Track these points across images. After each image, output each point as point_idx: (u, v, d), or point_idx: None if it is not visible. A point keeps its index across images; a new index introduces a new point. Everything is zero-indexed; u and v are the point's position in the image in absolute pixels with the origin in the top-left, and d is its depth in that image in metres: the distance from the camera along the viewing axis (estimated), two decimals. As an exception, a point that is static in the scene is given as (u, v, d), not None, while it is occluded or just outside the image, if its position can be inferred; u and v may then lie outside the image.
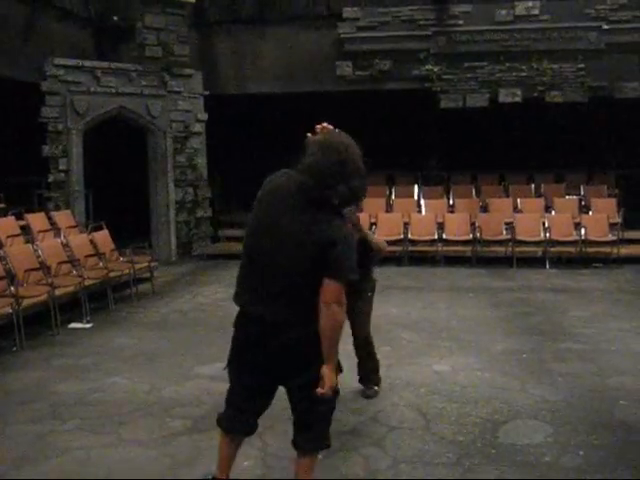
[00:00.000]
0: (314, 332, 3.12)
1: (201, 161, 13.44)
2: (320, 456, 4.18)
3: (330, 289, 3.08)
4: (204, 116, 13.37)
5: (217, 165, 14.20)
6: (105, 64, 12.21)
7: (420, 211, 13.50)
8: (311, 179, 3.10)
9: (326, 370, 3.14)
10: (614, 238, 11.81)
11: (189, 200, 13.33)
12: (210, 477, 3.64)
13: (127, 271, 9.41)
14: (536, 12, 12.93)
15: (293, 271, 3.14)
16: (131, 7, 13.19)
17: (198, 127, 13.34)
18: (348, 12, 13.38)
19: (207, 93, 13.41)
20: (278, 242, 3.15)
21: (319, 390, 3.12)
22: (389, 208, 13.79)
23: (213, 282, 10.70)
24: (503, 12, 13.03)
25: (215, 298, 9.41)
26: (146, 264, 9.97)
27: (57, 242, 9.21)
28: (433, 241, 12.24)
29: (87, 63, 11.97)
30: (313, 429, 3.40)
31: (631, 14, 12.63)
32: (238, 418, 3.46)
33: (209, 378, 5.77)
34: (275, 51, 13.93)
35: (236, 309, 3.36)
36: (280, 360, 3.24)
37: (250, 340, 3.31)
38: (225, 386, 3.35)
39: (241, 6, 13.97)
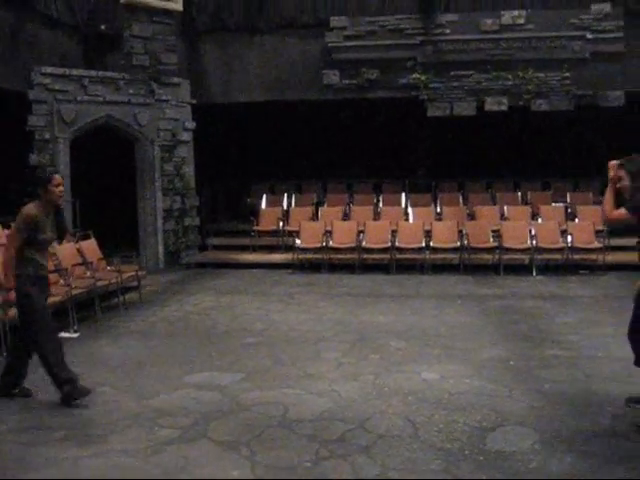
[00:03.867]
0: None
1: (189, 170, 13.42)
2: (309, 464, 4.21)
3: None
4: (192, 125, 13.37)
5: (205, 173, 14.19)
6: (92, 73, 12.19)
7: (407, 219, 13.53)
8: None
9: None
10: (600, 245, 11.89)
11: (177, 208, 13.30)
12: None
13: (114, 280, 9.36)
14: (522, 22, 13.07)
15: None
16: (118, 16, 13.21)
17: (186, 136, 13.33)
18: (335, 21, 13.46)
19: (195, 102, 13.43)
20: None
21: None
22: (376, 216, 13.81)
23: (201, 291, 10.68)
24: (489, 21, 13.16)
25: (203, 307, 9.39)
26: (133, 273, 9.94)
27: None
28: (420, 249, 12.26)
29: (74, 72, 11.94)
30: None
31: (615, 24, 12.80)
32: None
33: (197, 387, 5.75)
34: (263, 60, 13.99)
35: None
36: None
37: None
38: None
39: (229, 15, 14.04)
